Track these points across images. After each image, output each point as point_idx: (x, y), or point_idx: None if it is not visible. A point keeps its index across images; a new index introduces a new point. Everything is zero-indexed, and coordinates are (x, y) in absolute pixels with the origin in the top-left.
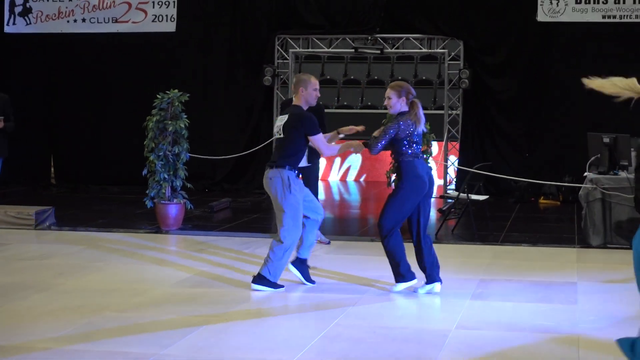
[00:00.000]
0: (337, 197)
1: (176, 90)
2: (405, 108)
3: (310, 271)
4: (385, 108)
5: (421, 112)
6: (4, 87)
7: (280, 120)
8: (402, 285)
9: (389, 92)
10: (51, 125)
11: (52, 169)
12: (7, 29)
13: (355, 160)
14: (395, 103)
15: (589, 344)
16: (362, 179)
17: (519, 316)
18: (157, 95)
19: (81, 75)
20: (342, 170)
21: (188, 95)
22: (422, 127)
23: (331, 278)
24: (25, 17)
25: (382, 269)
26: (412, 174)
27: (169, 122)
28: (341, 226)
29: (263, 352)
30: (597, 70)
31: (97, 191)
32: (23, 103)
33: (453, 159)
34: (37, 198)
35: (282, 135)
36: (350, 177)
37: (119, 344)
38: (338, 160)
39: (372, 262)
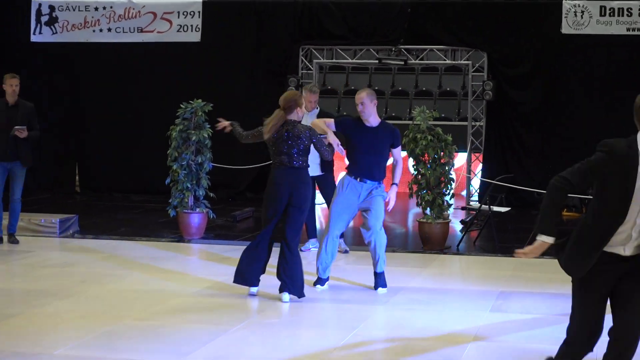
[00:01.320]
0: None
1: (200, 100)
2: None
3: (332, 281)
4: (411, 119)
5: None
6: (29, 96)
7: None
8: None
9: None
10: (76, 133)
11: (77, 177)
12: (34, 38)
13: None
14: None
15: None
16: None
17: (538, 329)
18: (181, 105)
19: (106, 84)
20: None
21: (211, 105)
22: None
23: (351, 289)
24: (52, 27)
25: (404, 280)
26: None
27: (193, 131)
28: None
29: None
30: (623, 82)
31: (120, 199)
32: (49, 112)
33: (476, 170)
34: (61, 206)
35: None
36: None
37: (139, 352)
38: None
39: (393, 273)
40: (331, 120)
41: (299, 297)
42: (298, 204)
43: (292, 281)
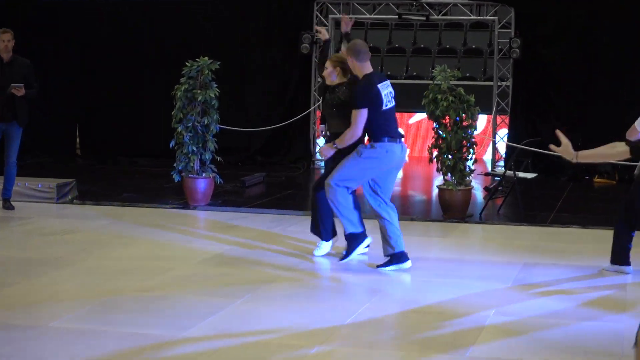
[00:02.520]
0: None
1: (206, 58)
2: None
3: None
4: (431, 79)
5: None
6: (26, 52)
7: (388, 87)
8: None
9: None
10: (76, 93)
11: (78, 140)
12: None
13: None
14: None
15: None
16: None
17: (562, 303)
18: (187, 63)
19: (108, 41)
20: None
21: (219, 63)
22: None
23: (367, 259)
24: None
25: (421, 250)
26: None
27: (198, 91)
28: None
29: (288, 337)
30: None
31: (124, 163)
32: (47, 70)
33: (502, 133)
34: (61, 170)
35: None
36: None
37: (137, 325)
38: None
39: (411, 242)
40: None
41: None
42: None
43: None
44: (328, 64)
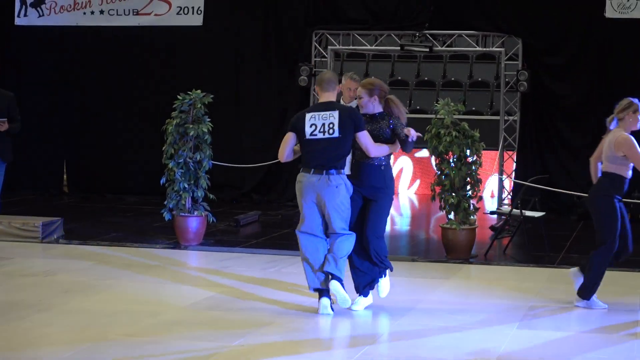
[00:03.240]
0: None
1: (199, 91)
2: (379, 108)
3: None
4: (435, 113)
5: (401, 109)
6: (12, 85)
7: (329, 117)
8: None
9: (360, 91)
10: (64, 127)
11: (65, 176)
12: (18, 21)
13: (406, 167)
14: (367, 103)
15: None
16: (411, 190)
17: (568, 348)
18: (178, 96)
19: (98, 73)
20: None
21: (212, 96)
22: None
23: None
24: (38, 9)
25: (423, 292)
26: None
27: (191, 125)
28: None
29: None
30: None
31: (112, 201)
32: (34, 103)
33: (509, 170)
34: (47, 208)
35: (336, 135)
36: (400, 188)
37: None
38: None
39: (412, 284)
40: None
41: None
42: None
43: None
44: (361, 91)
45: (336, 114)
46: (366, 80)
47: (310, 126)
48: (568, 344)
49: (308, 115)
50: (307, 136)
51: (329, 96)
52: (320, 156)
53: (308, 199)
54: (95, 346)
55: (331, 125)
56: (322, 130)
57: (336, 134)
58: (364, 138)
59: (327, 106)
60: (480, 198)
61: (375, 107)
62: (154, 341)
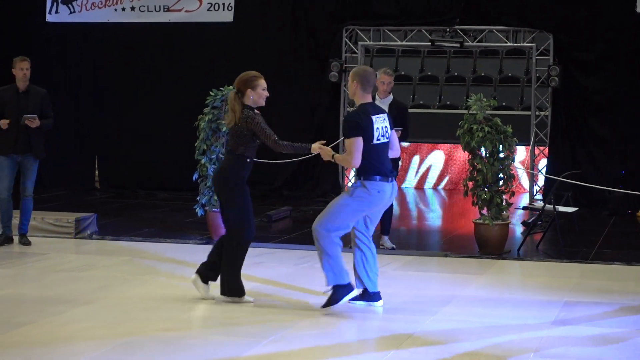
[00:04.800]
0: (408, 206)
1: (231, 87)
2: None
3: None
4: (467, 108)
5: None
6: (43, 82)
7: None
8: None
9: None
10: (96, 124)
11: (97, 172)
12: (49, 18)
13: (435, 163)
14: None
15: None
16: (441, 187)
17: (605, 345)
18: (210, 92)
19: (129, 69)
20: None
21: None
22: None
23: (398, 297)
24: (69, 5)
25: (457, 287)
26: None
27: (223, 122)
28: (410, 240)
29: None
30: None
31: (144, 197)
32: (65, 100)
33: (541, 165)
34: (79, 204)
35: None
36: (429, 184)
37: None
38: (415, 163)
39: (445, 280)
40: None
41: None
42: None
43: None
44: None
45: (386, 116)
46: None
47: (376, 130)
48: (605, 341)
49: (373, 119)
50: (374, 141)
51: (369, 97)
52: (388, 162)
53: (382, 208)
54: (132, 341)
55: (386, 129)
56: (382, 134)
57: (387, 139)
58: (395, 137)
59: (377, 109)
60: (513, 193)
61: None
62: (190, 336)
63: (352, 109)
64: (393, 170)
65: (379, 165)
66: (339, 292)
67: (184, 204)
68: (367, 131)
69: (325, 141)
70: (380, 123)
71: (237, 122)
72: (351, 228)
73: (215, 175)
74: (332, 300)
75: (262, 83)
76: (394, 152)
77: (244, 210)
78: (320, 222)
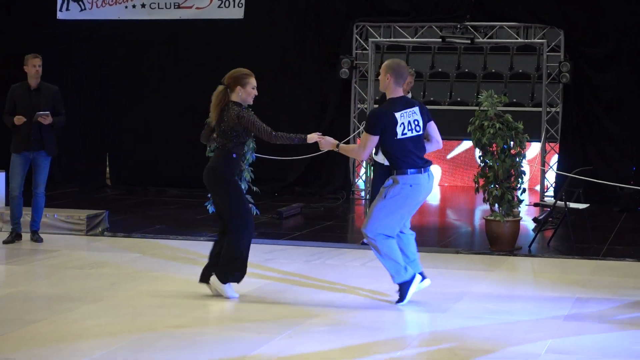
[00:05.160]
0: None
1: None
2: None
3: (387, 284)
4: (478, 104)
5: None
6: (54, 79)
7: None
8: None
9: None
10: (106, 121)
11: (108, 169)
12: (60, 15)
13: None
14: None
15: None
16: (452, 183)
17: (616, 341)
18: None
19: (139, 66)
20: None
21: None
22: None
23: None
24: (80, 2)
25: (468, 284)
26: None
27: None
28: (421, 237)
29: None
30: None
31: (155, 194)
32: (76, 97)
33: (552, 161)
34: (90, 201)
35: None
36: (440, 180)
37: None
38: None
39: (456, 276)
40: None
41: None
42: None
43: None
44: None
45: (416, 110)
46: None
47: (401, 125)
48: (617, 337)
49: (398, 115)
50: (400, 136)
51: (401, 91)
52: (420, 152)
53: (422, 200)
54: (143, 338)
55: (417, 122)
56: (411, 128)
57: (418, 132)
58: (435, 128)
59: (408, 103)
60: (524, 190)
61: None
62: (202, 333)
63: (373, 105)
64: (427, 160)
65: (406, 159)
66: (404, 288)
67: (194, 200)
68: (387, 129)
69: (320, 133)
70: (409, 117)
71: (226, 119)
72: (398, 227)
73: (205, 172)
74: (401, 296)
75: (253, 81)
76: (433, 145)
77: (238, 204)
78: (365, 226)
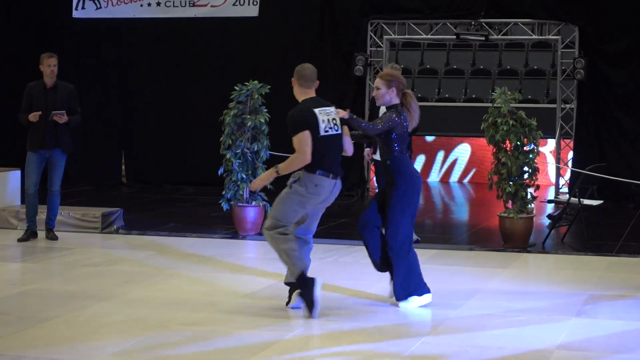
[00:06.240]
0: (433, 200)
1: (256, 82)
2: (396, 100)
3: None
4: (491, 102)
5: (415, 106)
6: (70, 77)
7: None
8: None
9: (378, 82)
10: (122, 119)
11: (123, 167)
12: (76, 14)
13: (461, 156)
14: (384, 94)
15: None
16: (466, 180)
17: (629, 337)
18: (235, 87)
19: (154, 64)
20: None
21: (269, 87)
22: (414, 124)
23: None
24: (96, 1)
25: (481, 281)
26: (407, 171)
27: (248, 116)
28: (435, 233)
29: None
30: None
31: (170, 191)
32: (92, 95)
33: (566, 158)
34: (106, 198)
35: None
36: (454, 178)
37: None
38: (440, 156)
39: (469, 273)
40: None
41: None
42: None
43: None
44: (380, 83)
45: (332, 110)
46: (385, 72)
47: (322, 122)
48: (630, 334)
49: (317, 112)
50: (322, 133)
51: (312, 92)
52: (335, 156)
53: (323, 206)
54: (156, 336)
55: (334, 122)
56: (331, 126)
57: (339, 130)
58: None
59: (321, 102)
60: (538, 187)
61: (392, 99)
62: (215, 330)
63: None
64: (340, 170)
65: (321, 159)
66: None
67: (209, 198)
68: (310, 125)
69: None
70: (326, 116)
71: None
72: (292, 223)
73: None
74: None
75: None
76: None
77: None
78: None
